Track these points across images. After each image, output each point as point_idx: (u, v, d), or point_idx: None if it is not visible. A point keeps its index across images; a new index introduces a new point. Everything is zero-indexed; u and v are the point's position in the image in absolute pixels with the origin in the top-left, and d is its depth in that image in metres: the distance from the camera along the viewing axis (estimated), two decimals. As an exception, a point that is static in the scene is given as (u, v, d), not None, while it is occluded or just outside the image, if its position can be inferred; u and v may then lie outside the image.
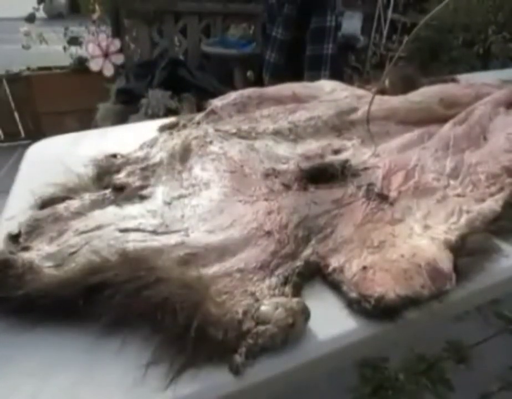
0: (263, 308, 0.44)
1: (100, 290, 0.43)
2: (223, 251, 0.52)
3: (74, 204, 0.58)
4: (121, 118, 2.27)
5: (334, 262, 0.52)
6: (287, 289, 0.48)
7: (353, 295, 0.48)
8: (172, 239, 0.53)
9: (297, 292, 0.49)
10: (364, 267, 0.50)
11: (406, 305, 0.47)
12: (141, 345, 0.42)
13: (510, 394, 1.25)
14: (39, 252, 0.48)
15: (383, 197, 0.63)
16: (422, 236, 0.54)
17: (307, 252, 0.53)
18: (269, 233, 0.56)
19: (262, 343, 0.42)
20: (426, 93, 0.97)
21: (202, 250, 0.52)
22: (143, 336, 0.43)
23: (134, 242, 0.51)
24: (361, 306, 0.47)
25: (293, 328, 0.43)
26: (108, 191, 0.63)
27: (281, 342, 0.43)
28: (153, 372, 0.40)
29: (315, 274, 0.52)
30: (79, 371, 0.41)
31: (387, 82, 1.06)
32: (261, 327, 0.42)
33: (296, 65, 1.86)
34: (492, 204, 0.61)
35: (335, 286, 0.51)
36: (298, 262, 0.51)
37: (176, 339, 0.41)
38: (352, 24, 3.00)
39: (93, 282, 0.44)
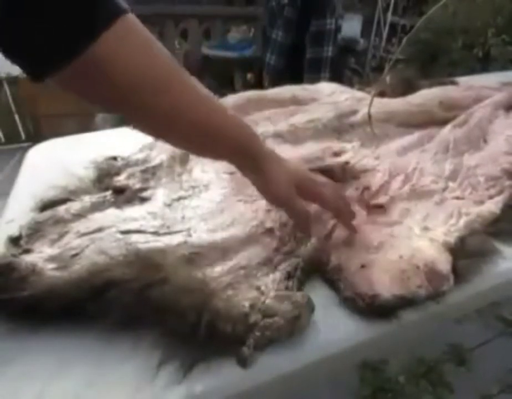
0: (269, 301, 0.44)
1: (107, 290, 0.44)
2: (225, 249, 0.52)
3: (75, 206, 0.58)
4: (121, 121, 2.28)
5: (333, 260, 0.52)
6: (291, 283, 0.49)
7: (349, 293, 0.48)
8: (175, 240, 0.53)
9: (300, 286, 0.49)
10: (363, 266, 0.50)
11: (402, 305, 0.47)
12: (149, 345, 0.42)
13: (510, 397, 1.25)
14: (41, 255, 0.48)
15: (381, 199, 0.63)
16: (421, 238, 0.55)
17: (307, 249, 0.53)
18: (270, 230, 0.56)
19: (269, 335, 0.42)
20: (426, 96, 0.97)
21: (205, 249, 0.52)
22: (151, 336, 0.43)
23: (136, 243, 0.51)
24: (356, 304, 0.47)
25: (299, 321, 0.44)
26: (108, 193, 0.63)
27: (287, 334, 0.43)
28: (162, 370, 0.40)
29: (316, 271, 0.53)
30: (84, 373, 0.40)
31: (387, 80, 1.06)
32: (268, 320, 0.43)
33: (296, 68, 1.87)
34: (492, 206, 0.62)
35: (333, 284, 0.51)
36: (300, 259, 0.52)
37: (186, 335, 0.41)
38: (351, 26, 3.01)
39: (101, 282, 0.44)
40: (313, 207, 0.58)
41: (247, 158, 0.50)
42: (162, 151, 0.75)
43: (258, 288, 0.46)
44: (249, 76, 2.95)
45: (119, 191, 0.64)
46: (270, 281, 0.48)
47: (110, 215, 0.57)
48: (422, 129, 0.85)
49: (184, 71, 0.44)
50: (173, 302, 0.43)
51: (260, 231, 0.56)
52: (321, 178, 0.57)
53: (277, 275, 0.49)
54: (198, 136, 0.47)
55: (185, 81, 0.44)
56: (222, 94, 0.98)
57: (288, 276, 0.50)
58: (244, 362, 0.41)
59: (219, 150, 0.51)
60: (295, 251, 0.53)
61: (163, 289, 0.44)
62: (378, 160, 0.74)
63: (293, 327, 0.44)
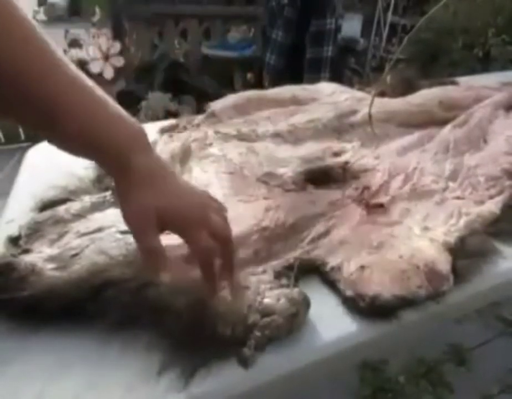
0: (266, 300, 0.44)
1: (106, 290, 0.44)
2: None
3: (75, 206, 0.58)
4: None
5: (332, 260, 0.52)
6: (287, 281, 0.49)
7: (349, 293, 0.48)
8: (174, 240, 0.53)
9: (295, 283, 0.49)
10: (362, 267, 0.50)
11: (402, 305, 0.47)
12: (150, 345, 0.42)
13: (510, 397, 1.25)
14: (41, 255, 0.48)
15: (381, 199, 0.63)
16: (421, 238, 0.55)
17: (305, 249, 0.54)
18: (266, 229, 0.56)
19: (269, 334, 0.42)
20: (426, 96, 0.97)
21: None
22: (151, 337, 0.43)
23: (136, 243, 0.51)
24: (356, 305, 0.48)
25: (297, 318, 0.44)
26: (108, 193, 0.63)
27: (286, 332, 0.44)
28: (162, 371, 0.40)
29: (313, 270, 0.53)
30: (84, 373, 0.40)
31: (387, 80, 1.06)
32: (267, 319, 0.43)
33: (296, 68, 1.87)
34: (492, 206, 0.62)
35: (332, 285, 0.51)
36: (297, 257, 0.52)
37: (186, 338, 0.41)
38: (351, 26, 3.01)
39: (101, 282, 0.44)
40: (307, 208, 0.58)
41: (117, 167, 0.42)
42: (162, 151, 0.74)
43: (255, 288, 0.46)
44: (249, 76, 2.95)
45: (119, 191, 0.64)
46: (266, 280, 0.48)
47: (110, 215, 0.57)
48: (422, 129, 0.85)
49: (63, 62, 0.39)
50: (173, 303, 0.43)
51: (257, 230, 0.56)
52: (208, 215, 0.45)
53: (273, 273, 0.49)
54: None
55: (64, 72, 0.39)
56: (222, 94, 0.98)
57: (284, 274, 0.50)
58: (245, 363, 0.41)
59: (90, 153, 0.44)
60: (292, 250, 0.53)
61: (162, 289, 0.44)
62: (378, 160, 0.74)
63: (292, 324, 0.44)
